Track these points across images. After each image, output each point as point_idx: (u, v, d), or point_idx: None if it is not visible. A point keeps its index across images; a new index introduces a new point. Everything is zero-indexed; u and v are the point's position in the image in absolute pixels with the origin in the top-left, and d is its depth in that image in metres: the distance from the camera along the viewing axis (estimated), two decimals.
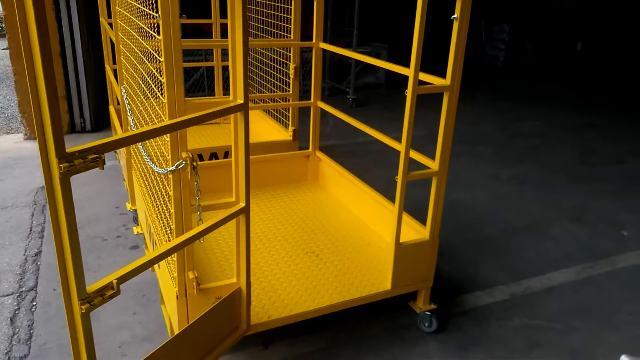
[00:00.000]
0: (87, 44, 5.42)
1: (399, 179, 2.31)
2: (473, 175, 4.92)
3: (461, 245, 3.62)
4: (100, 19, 4.39)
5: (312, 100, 3.54)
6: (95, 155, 1.26)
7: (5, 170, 4.55)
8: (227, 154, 3.88)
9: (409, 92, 2.17)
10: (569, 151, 5.79)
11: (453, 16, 2.09)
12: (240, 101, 1.78)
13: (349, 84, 7.59)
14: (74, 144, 1.28)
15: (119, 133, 3.81)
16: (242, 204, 1.89)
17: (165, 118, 1.72)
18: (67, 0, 5.07)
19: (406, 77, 2.19)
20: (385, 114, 7.00)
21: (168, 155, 1.79)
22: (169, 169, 1.77)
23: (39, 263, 3.17)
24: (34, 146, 5.20)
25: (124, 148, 3.48)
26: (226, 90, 4.91)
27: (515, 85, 9.31)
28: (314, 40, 3.39)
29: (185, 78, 6.64)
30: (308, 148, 3.73)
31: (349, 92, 7.49)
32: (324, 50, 8.25)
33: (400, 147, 2.29)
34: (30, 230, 3.57)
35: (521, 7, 10.85)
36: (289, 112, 4.04)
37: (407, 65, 2.24)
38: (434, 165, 2.40)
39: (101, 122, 5.80)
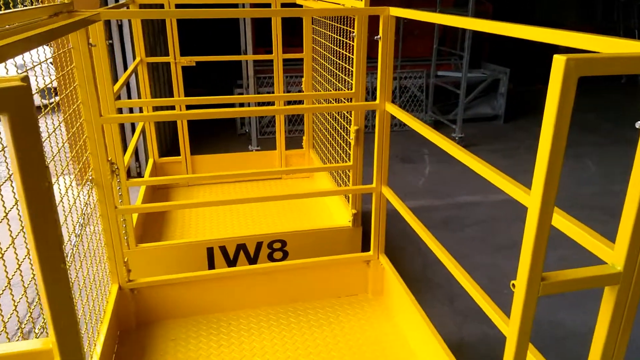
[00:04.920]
0: None
1: None
2: None
3: None
4: None
5: (374, 185, 2.39)
6: None
7: None
8: (261, 246, 2.85)
9: (517, 289, 0.95)
10: None
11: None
12: None
13: (456, 116, 6.22)
14: None
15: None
16: None
17: None
18: None
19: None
20: (499, 161, 5.47)
21: None
22: None
23: None
24: None
25: None
26: (293, 143, 3.92)
27: None
28: (377, 101, 2.25)
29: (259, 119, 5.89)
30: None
31: (455, 129, 6.10)
32: (428, 73, 6.98)
33: None
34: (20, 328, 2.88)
35: None
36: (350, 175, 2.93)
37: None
38: None
39: None
